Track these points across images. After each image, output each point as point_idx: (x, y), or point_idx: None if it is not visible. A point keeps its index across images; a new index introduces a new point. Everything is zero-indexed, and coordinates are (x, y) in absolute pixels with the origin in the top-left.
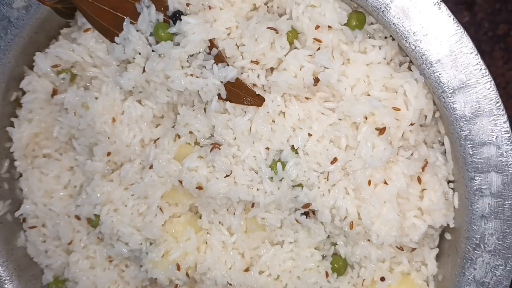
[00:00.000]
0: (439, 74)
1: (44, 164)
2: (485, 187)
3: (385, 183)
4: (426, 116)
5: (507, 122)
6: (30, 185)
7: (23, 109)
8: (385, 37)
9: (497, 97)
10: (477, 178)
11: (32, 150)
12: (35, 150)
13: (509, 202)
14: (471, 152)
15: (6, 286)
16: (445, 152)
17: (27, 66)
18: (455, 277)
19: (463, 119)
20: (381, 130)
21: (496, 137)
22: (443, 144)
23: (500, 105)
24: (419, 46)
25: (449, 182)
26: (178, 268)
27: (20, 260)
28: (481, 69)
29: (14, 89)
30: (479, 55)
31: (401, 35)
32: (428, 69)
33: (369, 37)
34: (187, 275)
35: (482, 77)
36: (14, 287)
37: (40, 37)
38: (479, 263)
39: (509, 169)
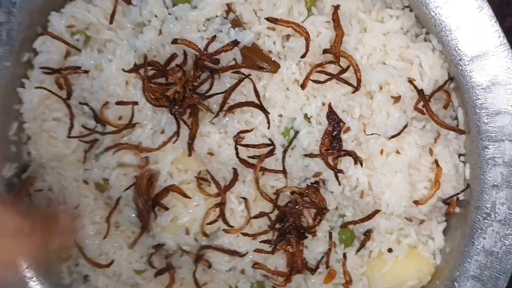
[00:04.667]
0: (458, 41)
1: (53, 128)
2: (498, 156)
3: (398, 152)
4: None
5: None
6: (38, 148)
7: (35, 70)
8: (403, 8)
9: None
10: (491, 147)
11: (42, 113)
12: (45, 113)
13: None
14: (485, 121)
15: None
16: (457, 126)
17: (41, 27)
18: (463, 246)
19: (479, 87)
20: (396, 99)
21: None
22: (455, 118)
23: None
24: (439, 13)
25: (460, 155)
26: (187, 232)
27: None
28: (499, 37)
29: (27, 50)
30: (498, 23)
31: (421, 2)
32: (447, 36)
33: (387, 7)
34: (196, 240)
35: (500, 45)
36: None
37: None
38: (489, 233)
39: None
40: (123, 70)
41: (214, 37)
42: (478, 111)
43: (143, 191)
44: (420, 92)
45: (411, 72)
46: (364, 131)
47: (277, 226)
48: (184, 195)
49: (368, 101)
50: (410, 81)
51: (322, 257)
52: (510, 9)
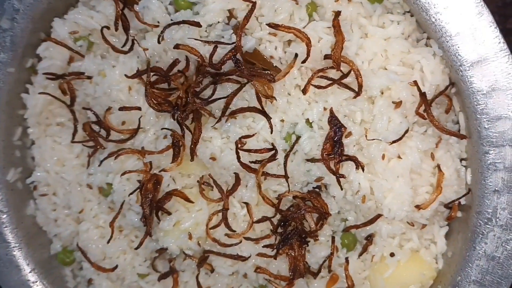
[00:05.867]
0: (458, 47)
1: (57, 133)
2: (499, 161)
3: (399, 157)
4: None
5: None
6: (42, 153)
7: (38, 76)
8: (404, 13)
9: None
10: (492, 152)
11: (45, 118)
12: (49, 118)
13: None
14: (486, 126)
15: (14, 253)
16: (459, 131)
17: (45, 33)
18: (465, 251)
19: (480, 93)
20: (397, 104)
21: None
22: (456, 122)
23: None
24: (439, 19)
25: (461, 160)
26: (190, 237)
27: (29, 228)
28: (499, 42)
29: (30, 55)
30: (498, 29)
31: (421, 7)
32: (447, 42)
33: (388, 12)
34: (198, 244)
35: (500, 51)
36: (22, 254)
37: (58, 3)
38: (490, 237)
39: None
40: (126, 76)
41: (216, 47)
42: (478, 116)
43: (149, 195)
44: (422, 94)
45: (412, 77)
46: (366, 136)
47: (280, 230)
48: (187, 200)
49: (370, 106)
50: (413, 83)
51: (324, 261)
52: None
